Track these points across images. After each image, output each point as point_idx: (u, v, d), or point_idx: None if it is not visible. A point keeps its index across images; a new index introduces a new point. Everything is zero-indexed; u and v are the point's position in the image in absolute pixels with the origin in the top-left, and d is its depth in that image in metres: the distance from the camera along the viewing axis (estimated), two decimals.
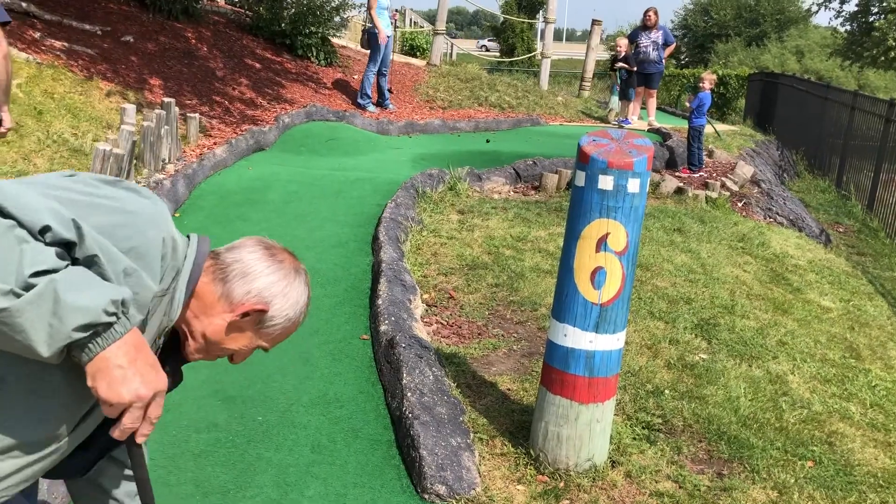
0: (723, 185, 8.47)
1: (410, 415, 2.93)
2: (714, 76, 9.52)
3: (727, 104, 21.93)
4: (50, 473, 1.43)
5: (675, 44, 12.23)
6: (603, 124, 12.46)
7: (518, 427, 3.06)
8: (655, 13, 11.51)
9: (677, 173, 8.97)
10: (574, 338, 2.69)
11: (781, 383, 3.75)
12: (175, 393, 3.12)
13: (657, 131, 11.29)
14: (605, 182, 2.54)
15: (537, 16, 23.70)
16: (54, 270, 1.12)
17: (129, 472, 1.63)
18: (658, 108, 13.54)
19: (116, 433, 1.25)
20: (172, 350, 1.49)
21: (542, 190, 7.28)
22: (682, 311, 4.45)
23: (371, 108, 10.47)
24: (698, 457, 3.03)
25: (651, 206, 6.88)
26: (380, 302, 3.90)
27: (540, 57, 16.51)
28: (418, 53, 17.34)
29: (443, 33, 14.00)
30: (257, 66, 10.27)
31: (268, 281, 1.44)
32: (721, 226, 6.56)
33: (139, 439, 1.30)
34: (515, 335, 3.95)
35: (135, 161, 5.77)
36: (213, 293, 1.42)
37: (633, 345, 3.92)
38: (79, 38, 8.11)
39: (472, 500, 2.61)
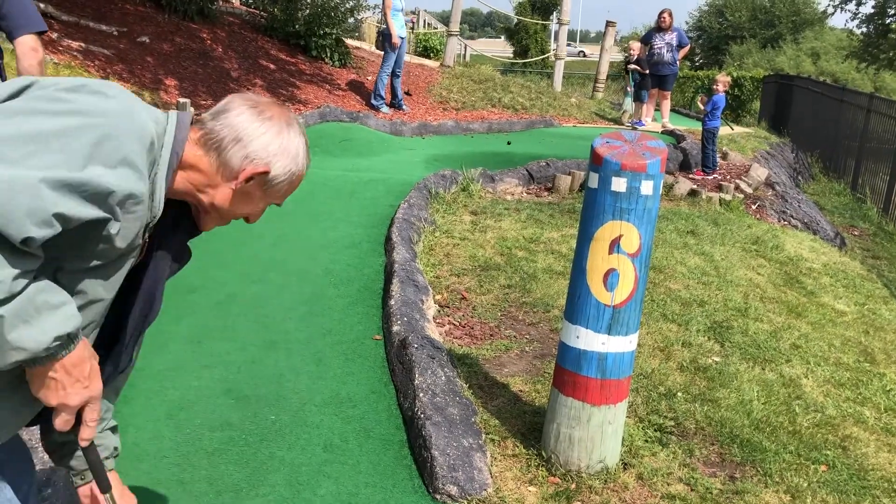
0: (737, 188, 8.43)
1: (422, 415, 2.94)
2: (728, 78, 9.48)
3: (742, 106, 21.83)
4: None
5: (689, 45, 12.19)
6: (616, 126, 12.43)
7: (530, 428, 3.06)
8: (670, 15, 11.48)
9: (691, 175, 8.95)
10: (586, 339, 2.69)
11: (795, 387, 3.74)
12: (189, 392, 3.16)
13: (671, 133, 11.26)
14: (619, 184, 2.54)
15: (551, 17, 23.68)
16: (7, 300, 1.14)
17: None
18: (672, 110, 13.49)
19: (56, 426, 1.34)
20: (177, 230, 1.49)
21: (555, 191, 7.28)
22: (696, 313, 4.44)
23: (384, 109, 10.49)
24: (710, 460, 3.02)
25: (664, 209, 6.86)
26: (392, 302, 3.91)
27: (554, 58, 16.49)
28: (432, 55, 17.36)
29: (456, 34, 14.01)
30: (272, 66, 10.31)
31: (263, 141, 1.42)
32: (735, 228, 6.53)
33: (82, 443, 1.39)
34: (528, 336, 3.95)
35: None
36: (210, 165, 1.41)
37: (646, 347, 3.91)
38: (95, 38, 8.18)
39: (484, 501, 2.62)
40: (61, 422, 1.33)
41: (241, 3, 13.25)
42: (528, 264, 4.89)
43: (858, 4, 28.37)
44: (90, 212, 1.21)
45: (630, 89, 12.21)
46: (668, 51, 11.38)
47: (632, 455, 2.95)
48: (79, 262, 1.29)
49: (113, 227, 1.26)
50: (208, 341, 3.64)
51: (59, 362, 1.26)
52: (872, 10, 28.27)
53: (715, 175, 9.08)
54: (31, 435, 2.28)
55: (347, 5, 11.81)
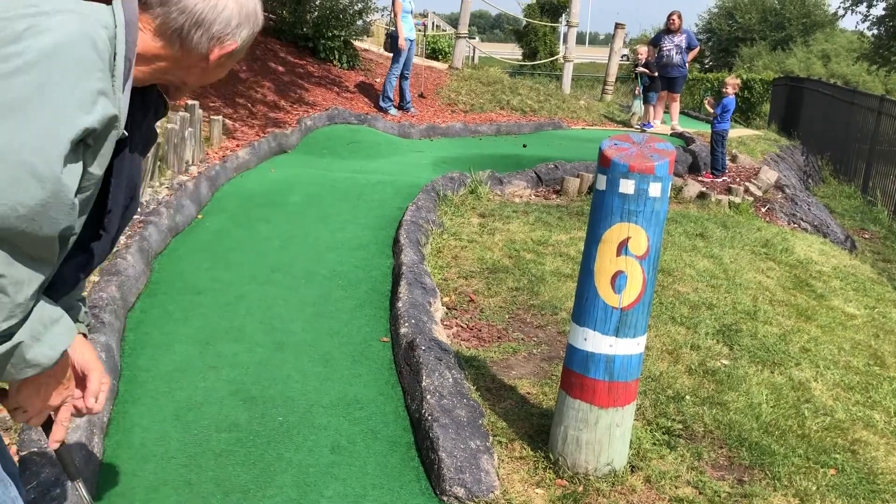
0: (746, 191, 8.41)
1: (430, 417, 2.94)
2: (737, 80, 9.46)
3: (752, 108, 21.77)
4: None
5: (698, 47, 12.17)
6: (625, 128, 12.41)
7: (537, 431, 3.06)
8: (679, 17, 11.46)
9: (700, 178, 8.92)
10: (594, 342, 2.68)
11: (804, 390, 3.72)
12: (196, 393, 3.16)
13: (680, 136, 11.24)
14: (627, 186, 2.53)
15: (560, 19, 23.67)
16: (23, 322, 1.16)
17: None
18: (681, 113, 13.47)
19: (31, 424, 1.38)
20: (146, 113, 1.46)
21: (563, 194, 7.27)
22: (704, 316, 4.43)
23: (393, 111, 10.51)
24: (719, 463, 3.01)
25: (673, 211, 6.84)
26: (400, 304, 3.91)
27: (563, 60, 16.48)
28: (440, 57, 17.37)
29: (465, 37, 14.01)
30: (280, 69, 10.34)
31: (224, 18, 1.38)
32: (744, 231, 6.51)
33: (52, 445, 1.43)
34: (535, 339, 3.94)
35: (159, 162, 5.84)
36: (174, 54, 1.37)
37: (654, 350, 3.90)
38: None
39: (491, 503, 2.61)
40: (38, 420, 1.36)
41: None
42: (537, 267, 4.88)
43: (869, 6, 28.27)
44: (81, 164, 1.19)
45: (639, 92, 12.19)
46: (677, 53, 11.35)
47: (640, 458, 2.94)
48: None
49: (94, 165, 1.23)
50: (216, 342, 3.65)
51: (48, 372, 1.28)
52: (884, 12, 28.16)
53: (724, 178, 9.06)
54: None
55: (356, 7, 11.83)
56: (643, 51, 11.98)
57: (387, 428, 3.07)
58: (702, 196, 7.57)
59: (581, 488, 2.73)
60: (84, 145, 1.19)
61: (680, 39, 11.38)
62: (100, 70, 1.19)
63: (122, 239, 4.53)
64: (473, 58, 21.48)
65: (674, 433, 3.15)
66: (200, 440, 2.88)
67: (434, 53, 17.75)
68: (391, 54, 10.70)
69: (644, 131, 11.39)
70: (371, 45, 14.99)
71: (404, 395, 3.30)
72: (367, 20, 13.09)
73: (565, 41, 16.41)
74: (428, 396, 3.07)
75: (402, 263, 4.45)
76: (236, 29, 1.39)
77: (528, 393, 3.36)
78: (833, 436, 3.31)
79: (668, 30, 11.50)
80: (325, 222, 5.52)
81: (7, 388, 1.36)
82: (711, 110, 9.28)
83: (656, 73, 11.62)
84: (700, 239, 6.03)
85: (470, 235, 5.42)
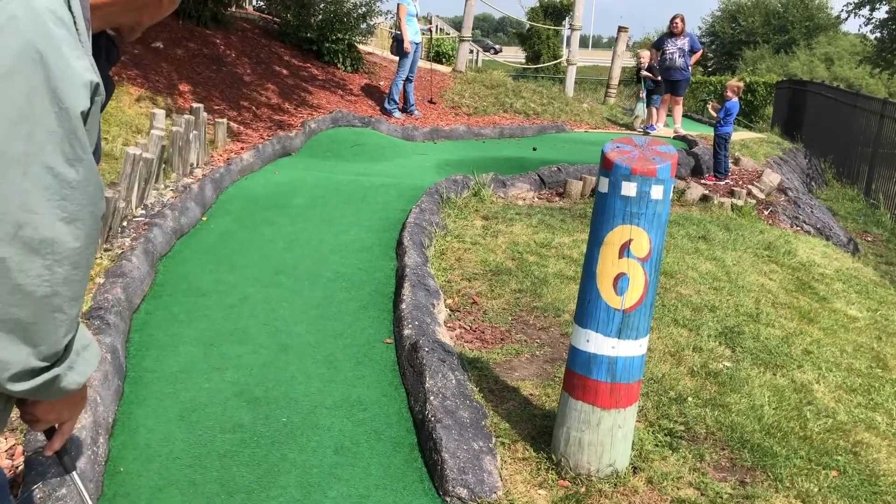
0: (749, 193, 8.41)
1: (433, 418, 2.96)
2: (739, 83, 9.46)
3: (755, 111, 21.78)
4: None
5: (701, 51, 12.17)
6: (628, 131, 12.42)
7: (540, 432, 3.07)
8: (682, 20, 11.47)
9: (703, 181, 8.93)
10: (596, 343, 2.70)
11: (806, 392, 3.73)
12: (200, 394, 3.18)
13: (683, 139, 11.25)
14: (629, 188, 2.55)
15: (563, 22, 23.70)
16: (66, 354, 1.18)
17: None
18: (684, 116, 13.47)
19: (34, 429, 1.41)
20: (102, 64, 1.38)
21: (566, 196, 7.28)
22: (707, 318, 4.44)
23: (397, 113, 10.54)
24: (721, 464, 3.02)
25: (676, 214, 6.85)
26: (403, 306, 3.93)
27: (566, 64, 16.50)
28: (444, 60, 17.40)
29: (468, 40, 14.04)
30: (284, 72, 10.37)
31: None
32: (747, 234, 6.52)
33: (48, 451, 1.46)
34: (538, 341, 3.96)
35: (164, 165, 5.86)
36: None
37: (657, 352, 3.91)
38: None
39: None
40: (41, 427, 1.39)
41: (254, 9, 13.34)
42: (540, 269, 4.90)
43: (872, 10, 28.24)
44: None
45: (643, 95, 12.21)
46: (680, 56, 11.36)
47: (642, 459, 2.95)
48: None
49: (90, 137, 1.18)
50: (220, 344, 3.67)
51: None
52: (886, 16, 28.14)
53: (727, 180, 9.06)
54: None
55: (360, 11, 11.87)
56: (646, 54, 11.99)
57: (390, 429, 3.08)
58: (704, 199, 7.58)
59: (583, 489, 2.74)
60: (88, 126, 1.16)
61: (682, 43, 11.39)
62: (75, 47, 1.13)
63: (126, 241, 4.55)
64: (477, 61, 21.51)
65: (676, 435, 3.16)
66: (205, 441, 2.89)
67: (438, 57, 17.77)
68: (397, 58, 10.74)
69: (647, 134, 11.40)
70: (375, 49, 15.02)
71: (408, 396, 3.32)
72: (371, 23, 13.11)
73: (568, 44, 16.45)
74: (431, 398, 3.09)
75: (406, 265, 4.47)
76: None
77: (531, 394, 3.37)
78: (835, 438, 3.32)
79: (671, 33, 11.51)
80: (328, 225, 5.54)
81: None
82: (715, 115, 9.29)
83: (660, 77, 11.63)
84: (703, 241, 6.04)
85: (473, 238, 5.44)
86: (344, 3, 11.63)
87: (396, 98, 10.58)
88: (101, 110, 1.32)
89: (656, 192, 2.55)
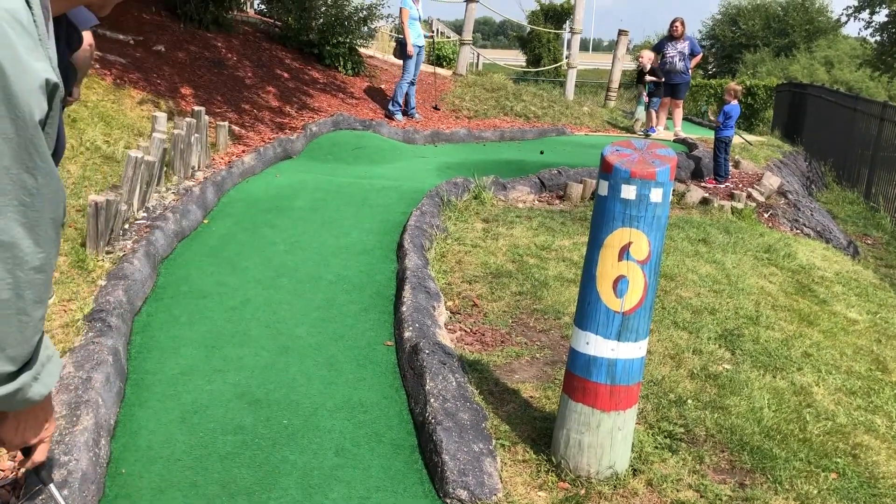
0: (749, 196, 8.42)
1: (433, 420, 2.97)
2: (738, 87, 9.47)
3: (755, 115, 21.77)
4: None
5: (701, 54, 12.19)
6: (629, 134, 12.44)
7: (540, 434, 3.08)
8: (682, 24, 11.50)
9: (703, 184, 8.94)
10: (596, 346, 2.71)
11: (806, 395, 3.74)
12: (202, 396, 3.19)
13: (683, 142, 11.26)
14: (628, 191, 2.56)
15: (564, 26, 23.72)
16: (31, 363, 1.19)
17: None
18: (685, 119, 13.48)
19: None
20: (63, 49, 1.38)
21: (566, 199, 7.30)
22: (706, 321, 4.45)
23: (399, 116, 10.57)
24: (720, 466, 3.03)
25: (676, 217, 6.86)
26: (404, 309, 3.94)
27: (566, 67, 16.52)
28: (445, 63, 17.42)
29: (469, 43, 14.06)
30: (286, 75, 10.39)
31: None
32: (747, 237, 6.53)
33: (28, 465, 1.44)
34: (538, 343, 3.97)
35: (165, 168, 5.88)
36: None
37: (657, 354, 3.92)
38: (112, 47, 8.27)
39: None
40: (10, 449, 1.38)
41: (255, 13, 13.37)
42: (540, 272, 4.91)
43: (872, 13, 28.29)
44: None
45: (645, 98, 12.22)
46: (680, 59, 11.38)
47: (642, 461, 2.96)
48: None
49: (50, 133, 1.17)
50: (221, 346, 3.68)
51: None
52: (886, 19, 28.18)
53: (727, 183, 9.07)
54: None
55: (361, 14, 11.89)
56: (647, 56, 12.01)
57: (391, 431, 3.09)
58: (704, 202, 7.59)
59: (583, 491, 2.75)
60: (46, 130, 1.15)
61: (683, 46, 11.41)
62: (33, 49, 1.10)
63: (128, 243, 4.56)
64: (477, 64, 21.53)
65: (675, 437, 3.17)
66: (206, 443, 2.91)
67: (438, 60, 17.79)
68: (400, 61, 10.76)
69: (648, 137, 11.42)
70: (376, 52, 15.04)
71: (408, 398, 3.33)
72: (372, 27, 13.13)
73: (569, 47, 16.47)
74: (431, 400, 3.10)
75: (407, 268, 4.48)
76: None
77: (531, 397, 3.38)
78: (834, 440, 3.33)
79: (672, 36, 11.53)
80: (329, 227, 5.56)
81: None
82: (714, 118, 9.30)
83: (663, 79, 11.65)
84: (702, 244, 6.05)
85: (474, 240, 5.45)
86: (345, 6, 11.66)
87: (400, 101, 10.61)
88: (65, 96, 1.28)
89: (655, 195, 2.57)
